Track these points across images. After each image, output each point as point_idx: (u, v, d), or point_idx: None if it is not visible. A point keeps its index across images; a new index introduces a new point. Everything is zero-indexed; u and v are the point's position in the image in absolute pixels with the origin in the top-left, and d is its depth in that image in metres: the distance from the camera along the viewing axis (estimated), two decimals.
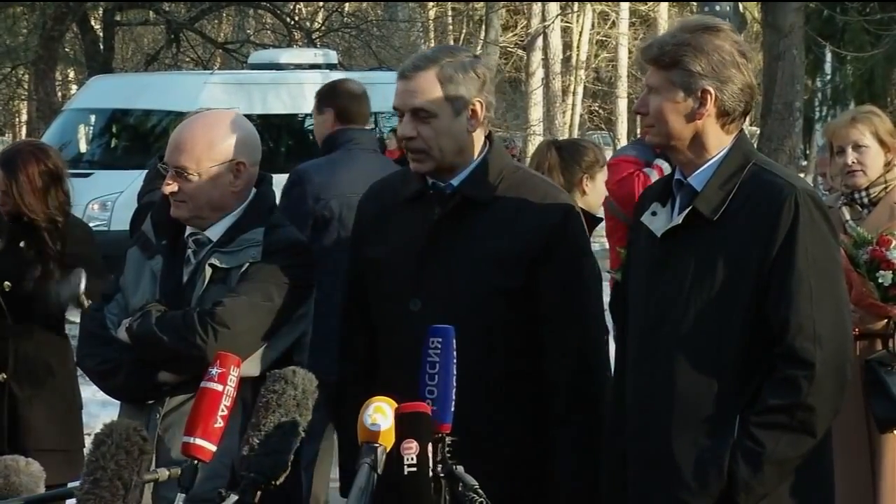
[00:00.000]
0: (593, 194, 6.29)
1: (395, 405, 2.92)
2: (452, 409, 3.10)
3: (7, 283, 5.90)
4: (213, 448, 2.89)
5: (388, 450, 2.88)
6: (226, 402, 2.91)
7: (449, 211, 4.03)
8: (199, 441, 2.89)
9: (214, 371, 2.94)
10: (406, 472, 2.91)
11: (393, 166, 6.07)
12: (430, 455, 2.95)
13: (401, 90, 4.02)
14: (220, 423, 2.90)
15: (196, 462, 2.90)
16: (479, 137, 4.08)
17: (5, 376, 5.92)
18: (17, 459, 2.76)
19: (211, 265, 4.18)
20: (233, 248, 4.19)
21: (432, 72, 3.97)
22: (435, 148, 4.00)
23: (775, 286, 3.61)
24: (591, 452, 3.99)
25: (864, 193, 6.01)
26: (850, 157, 5.99)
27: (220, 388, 2.92)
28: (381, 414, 2.88)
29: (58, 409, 5.98)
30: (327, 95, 6.09)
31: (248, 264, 4.17)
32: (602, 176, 6.31)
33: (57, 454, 5.73)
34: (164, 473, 2.89)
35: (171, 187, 4.19)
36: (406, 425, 2.94)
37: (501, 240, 4.00)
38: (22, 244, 5.90)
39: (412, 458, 2.91)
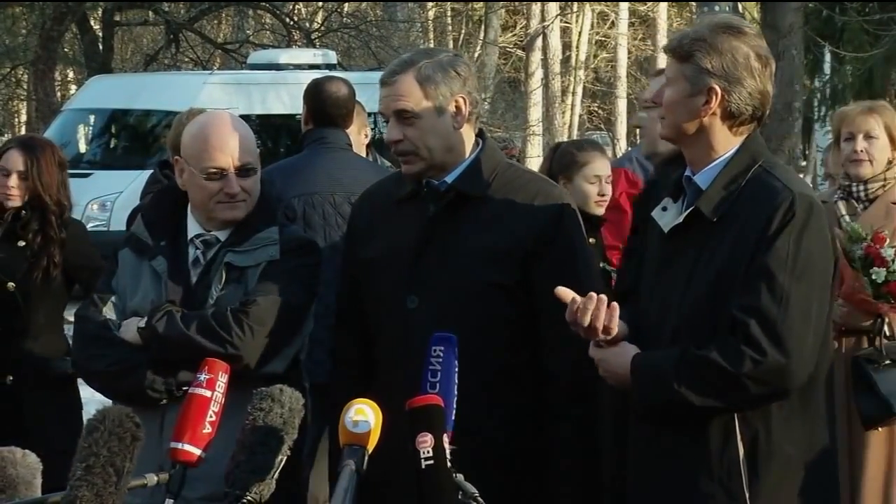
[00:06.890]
0: (572, 194, 6.29)
1: (377, 407, 2.88)
2: (454, 417, 3.09)
3: (11, 283, 5.90)
4: (201, 453, 2.89)
5: (370, 451, 2.84)
6: (214, 408, 2.92)
7: (443, 207, 4.05)
8: (187, 447, 2.89)
9: (203, 377, 2.94)
10: (424, 467, 2.87)
11: (365, 162, 6.04)
12: (447, 446, 2.91)
13: (383, 96, 4.08)
14: (208, 429, 2.90)
15: (184, 467, 2.89)
16: (468, 135, 4.11)
17: (12, 378, 5.92)
18: (14, 451, 2.74)
19: (227, 264, 4.17)
20: (248, 248, 4.18)
21: (410, 74, 4.03)
22: (423, 148, 4.03)
23: (751, 279, 3.55)
24: (589, 446, 4.02)
25: (862, 188, 6.00)
26: (861, 144, 5.97)
27: (208, 393, 2.93)
28: (362, 415, 2.85)
29: (63, 409, 5.97)
30: (305, 94, 6.06)
31: (266, 263, 4.16)
32: (582, 177, 6.28)
33: (67, 455, 5.72)
34: (152, 479, 2.87)
35: (234, 188, 4.16)
36: (419, 419, 2.90)
37: (496, 235, 4.02)
38: (21, 244, 5.91)
39: (428, 452, 2.87)
